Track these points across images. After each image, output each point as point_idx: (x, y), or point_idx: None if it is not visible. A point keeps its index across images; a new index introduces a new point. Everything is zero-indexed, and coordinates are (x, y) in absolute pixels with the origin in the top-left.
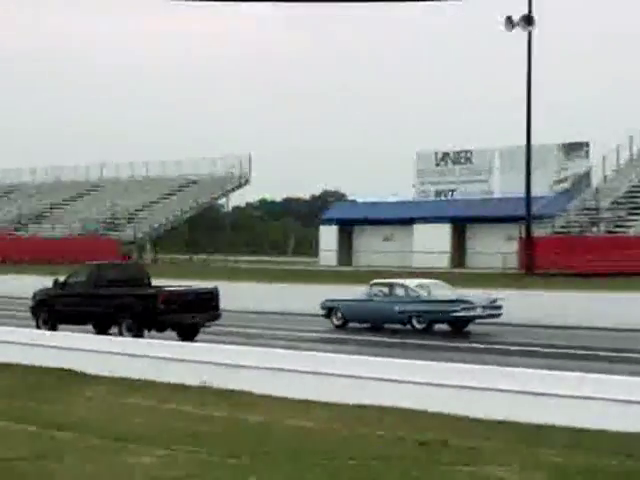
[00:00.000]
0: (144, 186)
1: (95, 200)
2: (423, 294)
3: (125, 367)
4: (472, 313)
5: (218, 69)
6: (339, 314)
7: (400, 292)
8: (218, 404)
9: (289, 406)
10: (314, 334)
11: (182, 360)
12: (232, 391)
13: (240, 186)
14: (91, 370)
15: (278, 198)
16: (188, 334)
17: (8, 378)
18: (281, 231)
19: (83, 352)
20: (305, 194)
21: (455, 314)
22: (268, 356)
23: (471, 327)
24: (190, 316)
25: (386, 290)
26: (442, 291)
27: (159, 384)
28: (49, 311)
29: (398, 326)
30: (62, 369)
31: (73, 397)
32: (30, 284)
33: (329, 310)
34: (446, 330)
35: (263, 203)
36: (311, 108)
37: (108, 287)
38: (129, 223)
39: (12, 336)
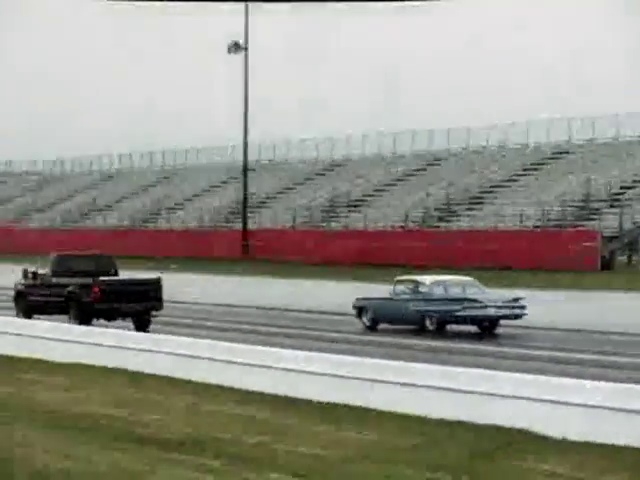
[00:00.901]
0: (630, 148)
1: (556, 171)
2: (437, 292)
3: (600, 428)
4: (477, 313)
5: None
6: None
7: (415, 289)
8: None
9: None
10: None
11: None
12: None
13: None
14: (550, 430)
15: None
16: (140, 324)
17: (452, 442)
18: None
19: (526, 401)
20: None
21: (457, 313)
22: None
23: None
24: (127, 306)
25: (406, 287)
26: (458, 289)
27: None
28: (25, 302)
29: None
30: (510, 429)
31: (523, 473)
32: None
33: (360, 309)
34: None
35: None
36: None
37: (63, 277)
38: (612, 207)
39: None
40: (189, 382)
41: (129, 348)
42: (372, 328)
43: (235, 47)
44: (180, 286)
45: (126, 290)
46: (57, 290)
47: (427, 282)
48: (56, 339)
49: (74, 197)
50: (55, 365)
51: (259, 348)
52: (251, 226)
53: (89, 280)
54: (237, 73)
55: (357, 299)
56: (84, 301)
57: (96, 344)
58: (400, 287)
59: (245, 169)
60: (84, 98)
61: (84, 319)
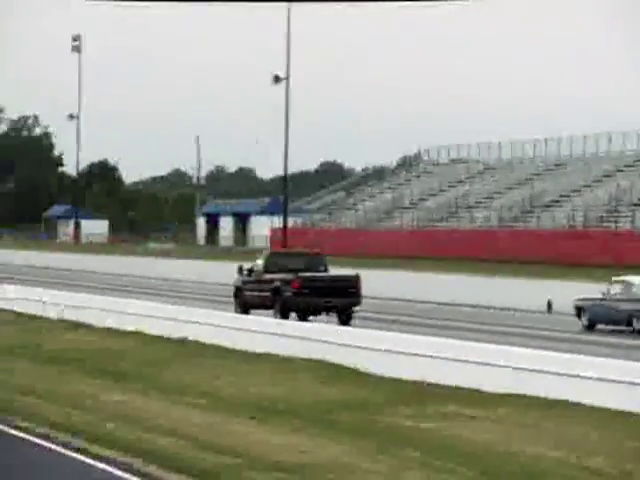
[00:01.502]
0: None
1: None
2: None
3: None
4: None
5: None
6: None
7: (626, 290)
8: None
9: None
10: None
11: None
12: None
13: None
14: None
15: None
16: (343, 319)
17: None
18: None
19: None
20: None
21: None
22: None
23: None
24: (323, 301)
25: (619, 288)
26: None
27: None
28: (241, 297)
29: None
30: None
31: None
32: None
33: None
34: None
35: None
36: None
37: (273, 273)
38: None
39: None
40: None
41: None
42: (590, 328)
43: None
44: None
45: (325, 286)
46: (266, 285)
47: (636, 282)
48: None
49: (446, 191)
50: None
51: None
52: None
53: (291, 276)
54: None
55: (576, 299)
56: (286, 296)
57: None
58: (614, 287)
59: None
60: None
61: (285, 313)
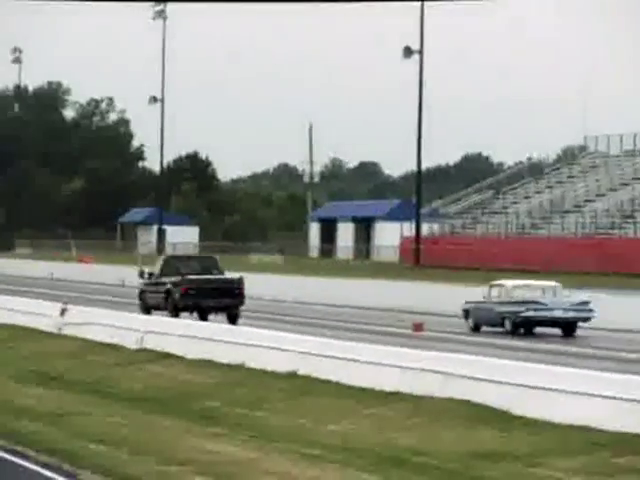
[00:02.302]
0: None
1: None
2: (514, 296)
3: None
4: (543, 314)
5: None
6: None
7: (501, 293)
8: None
9: None
10: None
11: None
12: None
13: None
14: None
15: None
16: (230, 319)
17: None
18: None
19: None
20: None
21: (522, 314)
22: None
23: None
24: (209, 301)
25: (496, 291)
26: (534, 293)
27: None
28: (143, 299)
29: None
30: None
31: None
32: None
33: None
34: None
35: None
36: None
37: (168, 277)
38: None
39: None
40: None
41: None
42: (475, 330)
43: None
44: None
45: (211, 287)
46: (161, 288)
47: (509, 286)
48: None
49: (619, 190)
50: None
51: None
52: None
53: (179, 278)
54: None
55: (464, 302)
56: (175, 297)
57: None
58: (493, 291)
59: None
60: None
61: (176, 313)
